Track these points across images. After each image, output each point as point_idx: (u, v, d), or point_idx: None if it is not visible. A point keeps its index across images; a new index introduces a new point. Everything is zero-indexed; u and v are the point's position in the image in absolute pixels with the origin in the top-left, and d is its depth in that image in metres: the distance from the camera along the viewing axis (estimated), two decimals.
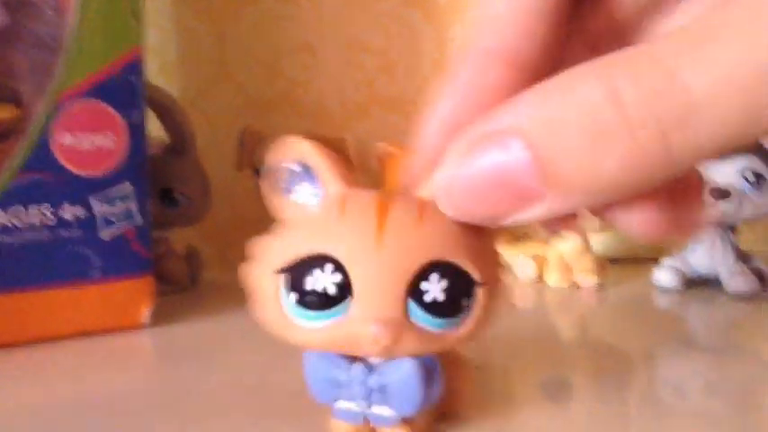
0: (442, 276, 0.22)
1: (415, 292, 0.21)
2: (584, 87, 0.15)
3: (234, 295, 0.48)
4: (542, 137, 0.16)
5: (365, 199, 0.23)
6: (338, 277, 0.21)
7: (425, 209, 0.22)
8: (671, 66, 0.14)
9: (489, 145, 0.17)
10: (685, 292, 0.49)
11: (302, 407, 0.27)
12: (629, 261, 0.60)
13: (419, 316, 0.22)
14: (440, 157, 0.19)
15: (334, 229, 0.22)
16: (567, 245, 0.50)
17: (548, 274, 0.51)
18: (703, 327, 0.43)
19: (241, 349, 0.37)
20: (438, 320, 0.22)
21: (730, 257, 0.49)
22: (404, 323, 0.21)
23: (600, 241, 0.60)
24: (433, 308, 0.21)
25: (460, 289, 0.22)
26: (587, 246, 0.51)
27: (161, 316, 0.42)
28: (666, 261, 0.52)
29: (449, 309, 0.22)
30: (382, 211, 0.22)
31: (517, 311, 0.46)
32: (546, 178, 0.16)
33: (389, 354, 0.22)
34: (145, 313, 0.40)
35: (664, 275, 0.50)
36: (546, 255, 0.52)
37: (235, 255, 0.62)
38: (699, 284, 0.51)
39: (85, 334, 0.38)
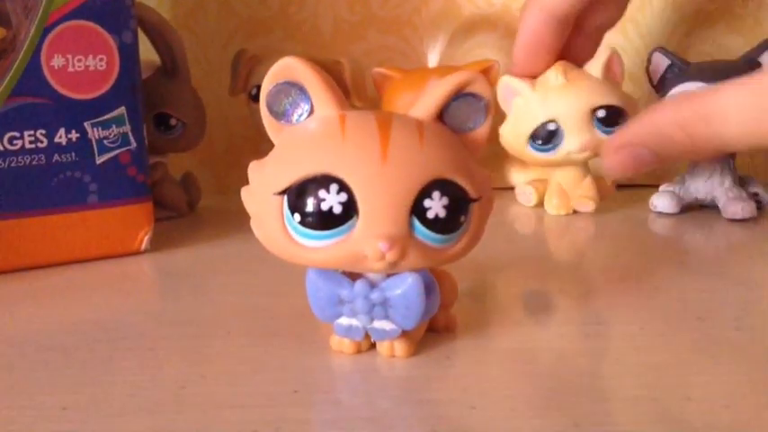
0: (443, 194, 0.22)
1: (418, 209, 0.22)
2: (663, 119, 0.28)
3: (232, 220, 0.49)
4: (655, 146, 0.28)
5: (364, 119, 0.23)
6: (344, 196, 0.21)
7: (423, 129, 0.23)
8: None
9: (630, 150, 0.29)
10: (683, 216, 0.50)
11: (303, 327, 0.28)
12: (629, 187, 0.60)
13: (421, 232, 0.22)
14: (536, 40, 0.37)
15: (336, 149, 0.22)
16: (565, 172, 0.50)
17: (547, 200, 0.51)
18: (700, 251, 0.43)
19: (240, 273, 0.37)
20: (439, 236, 0.22)
21: (728, 182, 0.49)
22: (408, 239, 0.22)
23: (600, 168, 0.60)
24: (435, 224, 0.22)
25: (459, 205, 0.23)
26: (585, 171, 0.50)
27: (160, 242, 0.42)
28: (664, 186, 0.52)
29: (449, 225, 0.22)
30: (384, 131, 0.22)
31: (517, 237, 0.46)
32: (661, 159, 0.28)
33: (393, 269, 0.23)
34: (144, 239, 0.40)
35: (661, 201, 0.50)
36: (547, 180, 0.52)
37: (232, 179, 0.63)
38: (696, 209, 0.51)
39: (85, 260, 0.38)
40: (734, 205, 0.47)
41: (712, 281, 0.36)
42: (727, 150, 0.26)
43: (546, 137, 0.47)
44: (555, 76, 0.46)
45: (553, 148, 0.47)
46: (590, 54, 0.48)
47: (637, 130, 0.28)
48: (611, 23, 0.48)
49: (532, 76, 0.44)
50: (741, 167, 0.52)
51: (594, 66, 0.47)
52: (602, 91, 0.47)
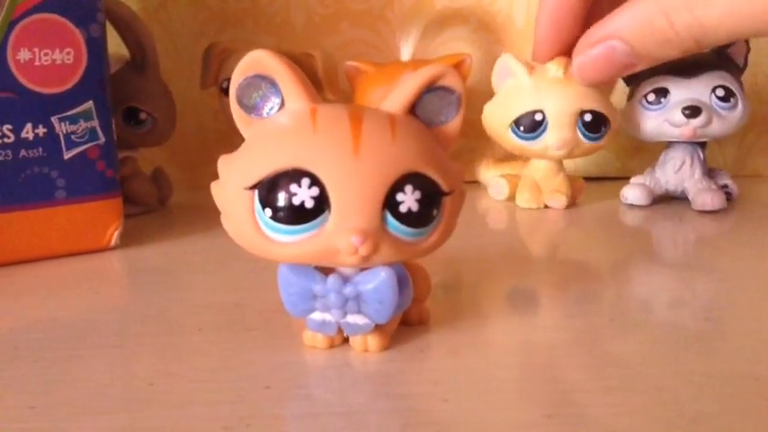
0: (416, 187, 0.22)
1: (390, 202, 0.22)
2: (646, 6, 0.26)
3: (203, 215, 0.48)
4: (631, 35, 0.26)
5: (336, 112, 0.22)
6: (315, 191, 0.21)
7: (395, 122, 0.22)
8: None
9: (603, 42, 0.27)
10: (653, 208, 0.50)
11: (275, 322, 0.28)
12: (600, 179, 0.61)
13: (394, 226, 0.22)
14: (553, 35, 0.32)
15: (307, 142, 0.22)
16: (539, 166, 0.50)
17: (519, 194, 0.51)
18: (670, 242, 0.43)
19: (211, 269, 0.36)
20: (411, 230, 0.22)
21: (698, 174, 0.50)
22: (381, 233, 0.22)
23: (572, 161, 0.60)
24: (408, 218, 0.22)
25: (431, 199, 0.23)
26: (559, 167, 0.51)
27: (130, 238, 0.41)
28: (635, 179, 0.52)
29: (421, 218, 0.22)
30: (356, 124, 0.22)
31: (489, 230, 0.47)
32: (636, 56, 0.27)
33: (366, 263, 0.22)
34: (113, 235, 0.39)
35: (632, 193, 0.51)
36: (519, 174, 0.52)
37: (203, 174, 0.62)
38: (667, 201, 0.52)
39: (53, 256, 0.38)
40: (704, 197, 0.48)
41: (683, 272, 0.36)
42: (705, 42, 0.25)
43: (530, 125, 0.47)
44: (556, 68, 0.46)
45: (533, 138, 0.47)
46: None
47: (616, 19, 0.27)
48: None
49: (561, 53, 0.41)
50: (711, 160, 0.52)
51: None
52: (595, 96, 0.47)
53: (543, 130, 0.47)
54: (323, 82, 0.51)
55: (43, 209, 0.37)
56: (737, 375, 0.23)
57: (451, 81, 0.23)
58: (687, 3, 0.25)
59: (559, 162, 0.51)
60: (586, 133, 0.47)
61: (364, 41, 0.59)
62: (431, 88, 0.23)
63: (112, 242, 0.39)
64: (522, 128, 0.48)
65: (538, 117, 0.47)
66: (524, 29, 0.60)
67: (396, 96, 0.23)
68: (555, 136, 0.47)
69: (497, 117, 0.49)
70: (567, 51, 0.36)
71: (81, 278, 0.35)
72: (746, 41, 0.49)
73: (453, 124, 0.24)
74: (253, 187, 0.22)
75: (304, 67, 0.46)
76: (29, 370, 0.24)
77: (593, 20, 0.41)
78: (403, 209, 0.22)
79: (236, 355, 0.25)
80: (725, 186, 0.50)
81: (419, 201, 0.22)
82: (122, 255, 0.39)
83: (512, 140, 0.48)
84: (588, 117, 0.47)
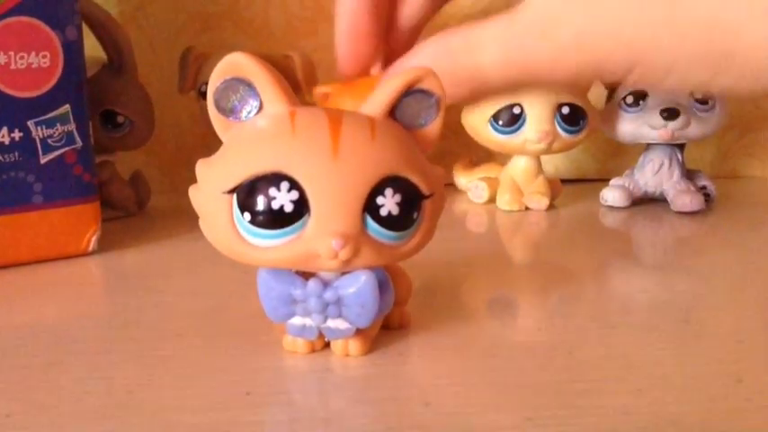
0: (396, 190, 0.22)
1: (370, 206, 0.22)
2: (434, 47, 0.26)
3: (182, 219, 0.48)
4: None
5: (315, 115, 0.22)
6: (295, 195, 0.21)
7: (375, 125, 0.22)
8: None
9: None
10: (633, 210, 0.50)
11: (255, 328, 0.27)
12: (580, 181, 0.61)
13: (374, 229, 0.22)
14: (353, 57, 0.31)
15: (286, 146, 0.22)
16: (518, 167, 0.51)
17: (499, 196, 0.51)
18: (650, 244, 0.44)
19: (190, 274, 0.36)
20: (392, 233, 0.22)
21: (676, 175, 0.50)
22: (361, 237, 0.22)
23: (551, 163, 0.60)
24: (388, 221, 0.22)
25: (411, 202, 0.23)
26: (539, 168, 0.51)
27: (108, 242, 0.41)
28: (614, 180, 0.52)
29: (402, 222, 0.22)
30: (335, 128, 0.22)
31: (469, 233, 0.47)
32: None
33: (346, 267, 0.22)
34: (91, 240, 0.39)
35: (612, 195, 0.51)
36: (498, 177, 0.52)
37: (182, 178, 0.61)
38: (646, 202, 0.52)
39: (30, 262, 0.37)
40: (682, 198, 0.48)
41: (662, 273, 0.36)
42: (486, 85, 0.26)
43: (509, 119, 0.48)
44: None
45: (513, 132, 0.48)
46: (406, 48, 0.45)
47: (410, 59, 0.27)
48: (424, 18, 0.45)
49: (358, 70, 0.39)
50: (689, 161, 0.53)
51: None
52: (573, 90, 0.48)
53: (522, 124, 0.48)
54: (302, 84, 0.51)
55: (20, 214, 0.36)
56: (718, 376, 0.23)
57: (431, 84, 0.23)
58: (467, 46, 0.25)
59: (538, 163, 0.51)
60: (565, 126, 0.48)
61: None
62: (410, 91, 0.23)
63: (90, 247, 0.39)
64: (500, 122, 0.48)
65: (516, 110, 0.48)
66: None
67: (375, 99, 0.23)
68: (534, 128, 0.47)
69: (476, 113, 0.49)
70: (366, 65, 0.36)
71: (58, 284, 0.35)
72: None
73: (433, 127, 0.24)
74: (231, 191, 0.22)
75: (283, 69, 0.46)
76: (5, 377, 0.24)
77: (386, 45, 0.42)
78: (383, 212, 0.22)
79: (215, 360, 0.25)
80: (703, 188, 0.51)
81: (399, 204, 0.22)
82: (100, 260, 0.39)
83: (491, 136, 0.49)
84: (566, 110, 0.47)
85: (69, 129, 0.37)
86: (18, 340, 0.27)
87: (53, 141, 0.37)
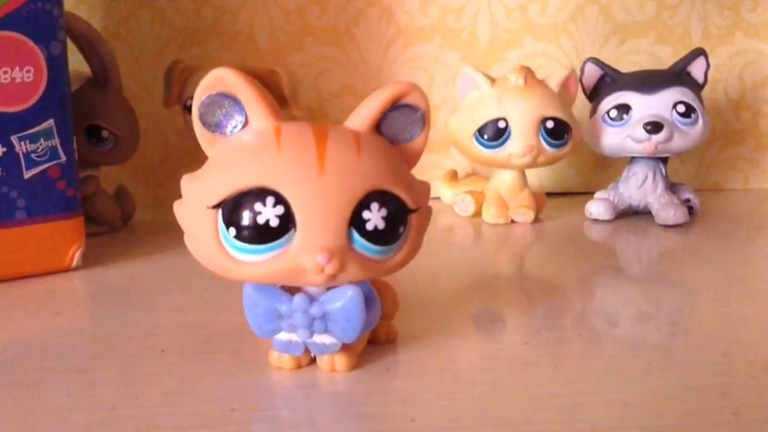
0: (382, 205, 0.22)
1: (356, 220, 0.22)
2: None
3: (167, 234, 0.48)
4: None
5: (301, 130, 0.22)
6: (280, 209, 0.21)
7: (360, 140, 0.22)
8: None
9: None
10: (617, 222, 0.51)
11: (240, 344, 0.27)
12: (564, 195, 0.61)
13: (360, 244, 0.22)
14: None
15: (272, 161, 0.21)
16: (504, 181, 0.51)
17: (485, 209, 0.51)
18: (635, 257, 0.44)
19: (175, 289, 0.36)
20: (378, 248, 0.22)
21: (660, 188, 0.50)
22: (347, 251, 0.22)
23: (536, 176, 0.61)
24: (374, 236, 0.22)
25: (397, 216, 0.23)
26: (524, 181, 0.51)
27: (92, 258, 0.40)
28: (599, 193, 0.53)
29: (388, 236, 0.22)
30: (320, 143, 0.22)
31: (455, 247, 0.47)
32: None
33: (333, 282, 0.22)
34: (75, 255, 0.39)
35: (596, 208, 0.51)
36: (484, 191, 0.52)
37: (167, 193, 0.61)
38: (630, 215, 0.52)
39: (13, 278, 0.37)
40: (666, 211, 0.49)
41: (647, 286, 0.36)
42: None
43: (494, 134, 0.48)
44: (515, 77, 0.48)
45: (498, 146, 0.48)
46: None
47: None
48: None
49: None
50: (672, 175, 0.53)
51: (553, 80, 0.49)
52: (556, 104, 0.48)
53: (507, 138, 0.48)
54: (288, 98, 0.51)
55: (3, 229, 0.36)
56: (703, 389, 0.23)
57: (416, 99, 0.23)
58: None
59: (523, 176, 0.51)
60: (549, 140, 0.48)
61: (329, 58, 0.59)
62: (395, 106, 0.23)
63: (74, 263, 0.39)
64: (485, 136, 0.48)
65: (501, 125, 0.48)
66: (488, 46, 0.60)
67: (360, 114, 0.23)
68: (519, 143, 0.48)
69: (462, 127, 0.49)
70: None
71: (42, 300, 0.34)
72: (706, 59, 0.50)
73: (418, 142, 0.24)
74: (216, 206, 0.22)
75: (269, 83, 0.46)
76: None
77: None
78: (369, 227, 0.22)
79: (200, 377, 0.25)
80: (687, 200, 0.51)
81: (385, 218, 0.22)
82: (84, 275, 0.39)
83: (477, 150, 0.49)
84: (550, 124, 0.48)
85: (53, 144, 0.37)
86: (0, 357, 0.27)
87: (37, 156, 0.37)
